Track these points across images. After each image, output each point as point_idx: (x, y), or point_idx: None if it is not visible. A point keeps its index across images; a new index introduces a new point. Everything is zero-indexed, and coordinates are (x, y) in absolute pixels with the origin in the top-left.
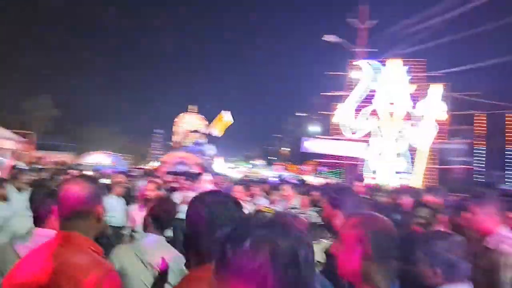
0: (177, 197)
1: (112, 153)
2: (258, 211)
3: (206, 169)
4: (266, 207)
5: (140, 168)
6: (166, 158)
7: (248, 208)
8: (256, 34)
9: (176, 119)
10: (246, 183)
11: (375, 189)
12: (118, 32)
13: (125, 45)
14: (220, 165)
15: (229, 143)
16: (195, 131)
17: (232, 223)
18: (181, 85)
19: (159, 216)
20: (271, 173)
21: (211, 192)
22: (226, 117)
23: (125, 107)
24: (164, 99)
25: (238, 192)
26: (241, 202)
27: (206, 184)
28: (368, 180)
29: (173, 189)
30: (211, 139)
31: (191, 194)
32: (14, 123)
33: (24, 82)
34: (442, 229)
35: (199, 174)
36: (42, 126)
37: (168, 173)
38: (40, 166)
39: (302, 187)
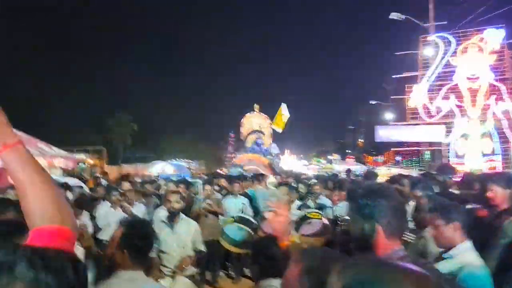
0: (231, 201)
1: (177, 160)
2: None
3: (273, 169)
4: (315, 212)
5: (215, 173)
6: (236, 161)
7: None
8: (319, 22)
9: (242, 120)
10: (293, 182)
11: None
12: (185, 47)
13: (192, 56)
14: (293, 163)
15: (303, 139)
16: (257, 131)
17: None
18: (249, 85)
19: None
20: (347, 167)
21: None
22: (284, 111)
23: (201, 114)
24: (235, 101)
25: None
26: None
27: (269, 185)
28: (455, 166)
29: (228, 193)
30: (279, 136)
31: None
32: (98, 140)
33: (105, 101)
34: None
35: (261, 175)
36: (125, 141)
37: (223, 176)
38: (103, 181)
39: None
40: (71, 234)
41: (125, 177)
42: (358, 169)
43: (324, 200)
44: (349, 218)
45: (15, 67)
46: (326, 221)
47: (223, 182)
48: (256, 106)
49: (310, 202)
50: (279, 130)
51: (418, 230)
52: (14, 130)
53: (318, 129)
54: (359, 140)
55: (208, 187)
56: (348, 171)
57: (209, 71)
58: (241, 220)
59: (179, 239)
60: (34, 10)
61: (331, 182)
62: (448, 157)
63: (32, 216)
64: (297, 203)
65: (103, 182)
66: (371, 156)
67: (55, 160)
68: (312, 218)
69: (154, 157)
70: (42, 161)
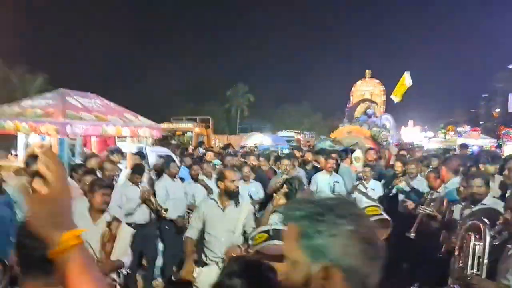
0: (323, 178)
1: (287, 131)
2: None
3: (378, 142)
4: (373, 206)
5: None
6: (334, 134)
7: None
8: None
9: (352, 89)
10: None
11: None
12: (299, 16)
13: (308, 24)
14: (415, 135)
15: (430, 109)
16: (368, 100)
17: None
18: (371, 50)
19: None
20: (472, 141)
21: None
22: (407, 80)
23: (319, 84)
24: (354, 68)
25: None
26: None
27: (354, 161)
28: None
29: (317, 169)
30: (402, 105)
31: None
32: (219, 111)
33: (224, 73)
34: None
35: (347, 150)
36: (242, 111)
37: (308, 151)
38: (201, 150)
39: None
40: None
41: (226, 147)
42: (487, 143)
43: (420, 182)
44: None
45: (142, 46)
46: (386, 217)
47: (309, 156)
48: (367, 72)
49: (402, 185)
50: (397, 100)
51: None
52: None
53: (448, 98)
54: (494, 110)
55: (286, 161)
56: (464, 146)
57: (327, 37)
58: (277, 234)
59: (229, 223)
60: None
61: (437, 160)
62: None
63: None
64: (373, 184)
65: (201, 151)
66: (509, 127)
67: (140, 129)
68: (371, 215)
69: (269, 127)
70: (127, 131)
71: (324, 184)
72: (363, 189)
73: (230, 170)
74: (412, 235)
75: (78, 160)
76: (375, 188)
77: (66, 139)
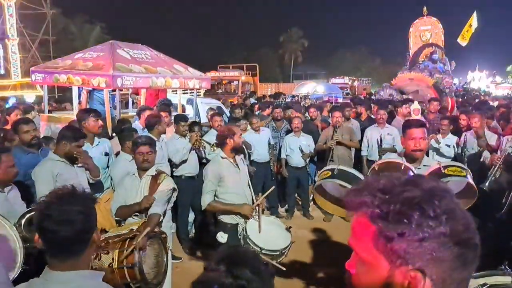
0: (375, 131)
1: (341, 78)
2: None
3: (441, 90)
4: (456, 167)
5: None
6: (396, 80)
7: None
8: None
9: (410, 30)
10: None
11: None
12: None
13: None
14: (481, 81)
15: (499, 52)
16: (433, 44)
17: None
18: None
19: None
20: None
21: None
22: (474, 21)
23: (375, 27)
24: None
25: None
26: None
27: (412, 114)
28: None
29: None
30: (468, 49)
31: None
32: (272, 57)
33: (278, 18)
34: None
35: (404, 101)
36: (295, 57)
37: (362, 101)
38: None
39: None
40: None
41: (277, 96)
42: None
43: (487, 137)
44: None
45: None
46: (472, 183)
47: (362, 108)
48: (424, 10)
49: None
50: (463, 43)
51: None
52: None
53: None
54: None
55: (337, 113)
56: None
57: None
58: (341, 175)
59: (245, 179)
60: None
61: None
62: None
63: None
64: (450, 139)
65: (252, 101)
66: None
67: (190, 81)
68: (451, 175)
69: (324, 74)
70: (176, 82)
71: (374, 136)
72: (435, 144)
73: (236, 126)
74: (486, 185)
75: (130, 113)
76: (450, 144)
77: (117, 91)
